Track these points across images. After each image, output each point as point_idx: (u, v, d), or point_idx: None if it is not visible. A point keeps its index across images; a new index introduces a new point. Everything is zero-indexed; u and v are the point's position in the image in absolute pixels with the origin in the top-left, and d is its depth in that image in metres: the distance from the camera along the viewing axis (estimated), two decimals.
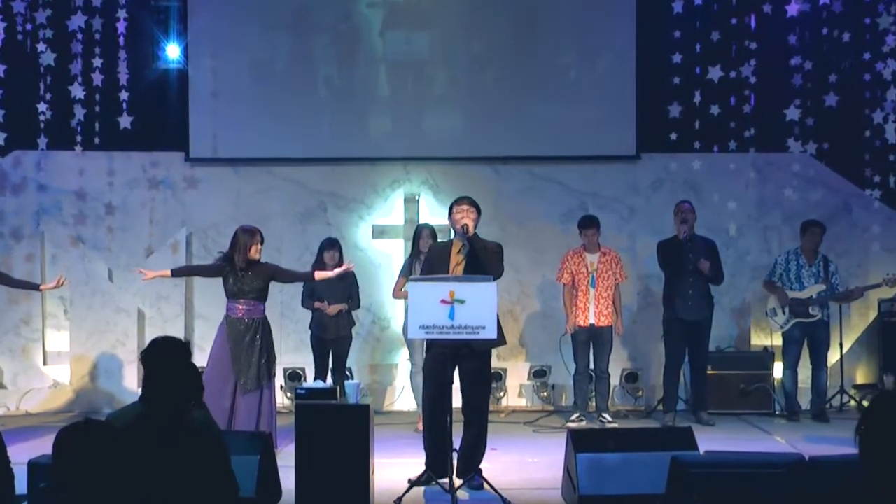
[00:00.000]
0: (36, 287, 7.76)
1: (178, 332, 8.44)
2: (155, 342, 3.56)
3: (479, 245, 5.61)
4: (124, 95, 7.93)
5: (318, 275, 7.13)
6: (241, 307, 6.72)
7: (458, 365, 5.57)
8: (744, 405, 8.31)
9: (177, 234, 8.96)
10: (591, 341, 7.88)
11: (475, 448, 5.63)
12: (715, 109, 7.83)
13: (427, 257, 5.87)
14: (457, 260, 5.68)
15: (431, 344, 5.60)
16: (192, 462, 3.17)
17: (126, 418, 3.32)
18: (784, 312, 8.15)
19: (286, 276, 7.07)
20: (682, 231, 7.78)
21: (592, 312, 7.81)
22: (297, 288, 8.33)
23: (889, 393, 2.99)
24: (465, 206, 5.71)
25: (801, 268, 8.15)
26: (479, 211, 5.76)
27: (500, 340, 5.56)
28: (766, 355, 8.49)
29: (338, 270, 7.08)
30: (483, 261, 5.54)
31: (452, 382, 5.64)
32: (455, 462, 5.40)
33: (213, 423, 3.54)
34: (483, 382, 5.63)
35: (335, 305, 7.79)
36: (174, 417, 3.28)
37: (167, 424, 3.25)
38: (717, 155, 8.14)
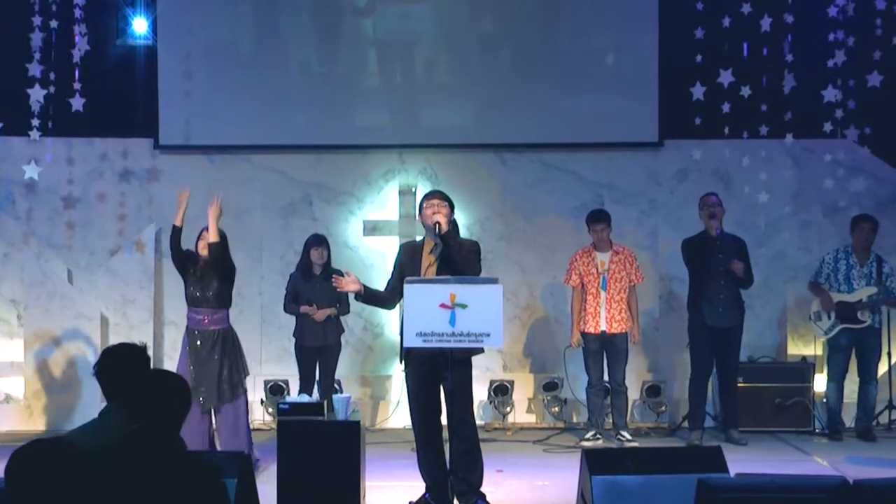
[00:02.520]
0: None
1: (145, 339, 8.38)
2: (111, 351, 3.54)
3: (453, 244, 5.62)
4: (85, 75, 7.90)
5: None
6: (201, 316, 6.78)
7: (439, 374, 5.58)
8: (780, 422, 8.30)
9: (144, 230, 8.95)
10: (604, 350, 7.88)
11: (470, 462, 5.64)
12: (746, 91, 7.81)
13: (398, 259, 5.88)
14: (429, 261, 5.71)
15: (408, 355, 5.60)
16: (190, 492, 3.10)
17: (106, 438, 3.28)
18: (829, 317, 8.12)
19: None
20: (712, 227, 7.76)
21: (604, 318, 7.80)
22: (280, 291, 8.32)
23: None
24: (435, 201, 5.73)
25: (851, 268, 8.10)
26: (452, 206, 5.78)
27: (478, 348, 5.57)
28: (805, 366, 8.47)
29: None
30: (458, 261, 5.55)
31: (440, 396, 5.68)
32: (452, 484, 5.41)
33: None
34: (467, 391, 5.68)
35: (323, 310, 7.78)
36: (172, 438, 3.23)
37: (166, 446, 3.20)
38: (749, 141, 8.13)
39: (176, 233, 6.76)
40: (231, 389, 6.71)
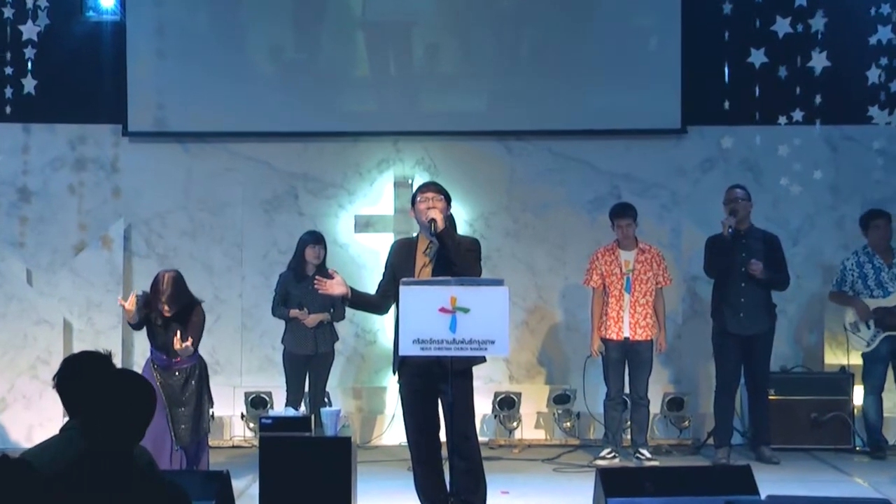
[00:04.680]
0: None
1: (113, 347, 8.31)
2: (69, 361, 3.54)
3: (450, 243, 5.62)
4: (45, 54, 7.88)
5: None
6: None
7: (437, 386, 5.59)
8: (816, 438, 8.30)
9: (112, 226, 8.94)
10: (626, 359, 7.87)
11: (471, 483, 5.65)
12: (779, 72, 7.79)
13: (389, 258, 5.88)
14: (423, 261, 5.71)
15: (403, 365, 5.61)
16: None
17: (63, 459, 3.29)
18: (869, 326, 8.11)
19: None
20: (726, 225, 7.74)
21: (627, 323, 7.79)
22: (262, 293, 8.32)
23: None
24: (430, 194, 5.74)
25: (880, 270, 8.11)
26: (448, 199, 5.79)
27: (481, 357, 5.58)
28: (844, 377, 8.46)
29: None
30: (455, 262, 5.55)
31: (438, 410, 5.69)
32: None
33: (155, 463, 3.54)
34: (468, 404, 5.70)
35: (315, 315, 7.78)
36: (125, 456, 3.25)
37: (117, 465, 3.21)
38: (782, 128, 8.10)
39: (133, 326, 6.89)
40: (203, 425, 6.79)
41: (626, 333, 7.80)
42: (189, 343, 6.56)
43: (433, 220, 5.59)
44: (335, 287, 5.61)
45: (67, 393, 3.64)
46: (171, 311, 6.65)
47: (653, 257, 7.90)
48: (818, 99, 7.73)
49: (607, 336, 7.83)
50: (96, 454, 3.22)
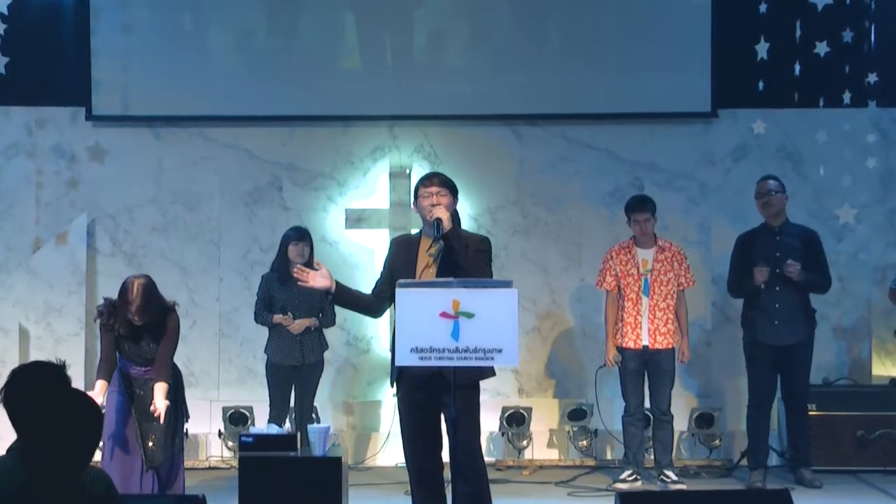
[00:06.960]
0: None
1: (75, 356, 8.42)
2: (17, 373, 3.51)
3: (457, 245, 5.58)
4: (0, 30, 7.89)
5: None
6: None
7: (439, 399, 5.57)
8: (862, 459, 8.30)
9: (73, 221, 8.93)
10: (646, 370, 7.87)
11: None
12: (822, 48, 7.78)
13: (388, 257, 5.86)
14: (426, 261, 5.71)
15: (401, 376, 5.59)
16: None
17: (4, 485, 3.27)
18: None
19: None
20: (772, 218, 7.72)
21: (646, 330, 7.78)
22: (242, 296, 8.29)
23: None
24: (434, 188, 5.72)
25: None
26: (455, 193, 5.77)
27: (489, 370, 5.58)
28: (894, 390, 8.47)
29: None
30: (463, 267, 5.52)
31: (440, 427, 5.69)
32: None
33: (114, 488, 3.51)
34: (473, 420, 5.70)
35: (301, 320, 7.77)
36: (71, 480, 3.24)
37: (62, 492, 3.19)
38: (825, 111, 8.12)
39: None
40: (177, 442, 6.78)
41: (645, 341, 7.79)
42: (164, 407, 6.53)
43: (438, 220, 5.57)
44: (318, 279, 5.56)
45: (14, 408, 3.60)
46: (141, 321, 6.63)
47: (673, 256, 7.88)
48: (874, 78, 7.70)
49: (623, 344, 7.82)
50: (37, 481, 3.19)
